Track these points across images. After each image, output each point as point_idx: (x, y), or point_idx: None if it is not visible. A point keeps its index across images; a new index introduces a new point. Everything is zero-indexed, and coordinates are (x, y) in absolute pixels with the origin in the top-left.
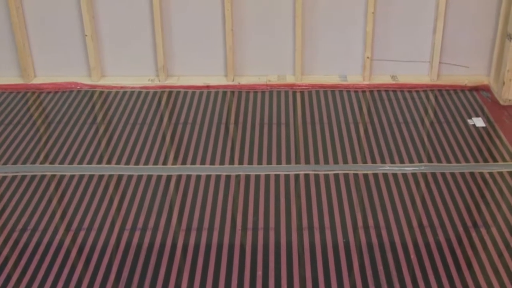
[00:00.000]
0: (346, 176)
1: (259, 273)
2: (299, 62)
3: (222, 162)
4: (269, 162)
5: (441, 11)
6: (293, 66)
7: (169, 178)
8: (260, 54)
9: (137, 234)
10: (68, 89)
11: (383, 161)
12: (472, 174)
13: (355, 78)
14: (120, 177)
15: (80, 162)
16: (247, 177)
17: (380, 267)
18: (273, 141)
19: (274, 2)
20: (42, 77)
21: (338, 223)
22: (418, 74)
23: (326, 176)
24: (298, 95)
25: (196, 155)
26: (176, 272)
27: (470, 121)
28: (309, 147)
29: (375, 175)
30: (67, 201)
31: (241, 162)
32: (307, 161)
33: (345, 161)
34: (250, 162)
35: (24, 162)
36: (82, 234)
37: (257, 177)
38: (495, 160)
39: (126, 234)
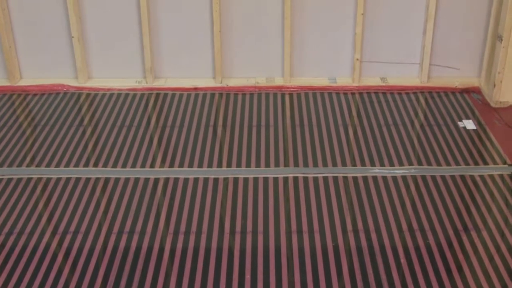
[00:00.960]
0: (335, 179)
1: (248, 277)
2: (288, 64)
3: (210, 165)
4: (258, 165)
5: (431, 12)
6: (281, 68)
7: (156, 181)
8: (248, 56)
9: (124, 237)
10: (55, 91)
11: (372, 164)
12: (462, 177)
13: (345, 80)
14: (107, 180)
15: (67, 165)
16: (236, 180)
17: (370, 271)
18: (261, 143)
19: (263, 3)
20: (28, 79)
21: (327, 226)
22: (408, 76)
23: (315, 179)
24: (287, 97)
25: (183, 157)
26: (164, 276)
27: (460, 124)
28: (298, 149)
29: (365, 178)
30: (54, 204)
31: (229, 165)
32: (296, 164)
33: (335, 164)
34: (239, 165)
35: (10, 165)
36: (68, 237)
37: (246, 180)
38: (485, 163)
39: (113, 238)
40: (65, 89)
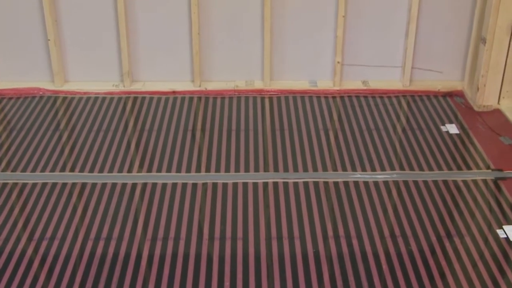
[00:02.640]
0: (316, 184)
1: (227, 283)
2: (268, 67)
3: (188, 170)
4: (237, 169)
5: (413, 14)
6: (261, 71)
7: (134, 186)
8: (227, 59)
9: (101, 243)
10: (31, 94)
11: (354, 169)
12: (445, 182)
13: (325, 83)
14: (83, 185)
15: (43, 170)
16: (214, 185)
17: (351, 278)
18: (241, 148)
19: (242, 5)
20: (4, 83)
21: (308, 232)
22: (390, 80)
23: (296, 184)
24: (267, 101)
25: (162, 162)
26: (142, 283)
27: (443, 128)
28: (278, 154)
29: (346, 183)
30: (30, 210)
31: (208, 169)
32: (276, 169)
33: (315, 169)
34: (217, 169)
35: None
36: (44, 243)
37: (225, 185)
38: (469, 168)
39: (90, 244)
40: (41, 93)
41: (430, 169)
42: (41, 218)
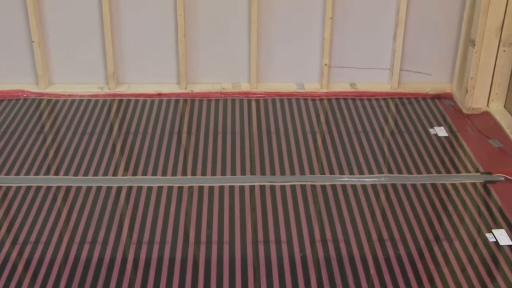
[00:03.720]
0: (303, 187)
1: None
2: (255, 69)
3: (174, 173)
4: (223, 173)
5: (402, 16)
6: (248, 73)
7: (119, 189)
8: (214, 61)
9: (86, 247)
10: (14, 97)
11: (341, 172)
12: (434, 185)
13: (313, 86)
14: (68, 188)
15: (27, 173)
16: (201, 188)
17: (339, 282)
18: (227, 151)
19: (229, 7)
20: None
21: (295, 236)
22: (378, 82)
23: (283, 188)
24: (253, 104)
25: (147, 165)
26: (127, 287)
27: (432, 131)
28: (265, 157)
29: (333, 187)
30: (14, 214)
31: (194, 173)
32: (263, 172)
33: (302, 172)
34: (204, 173)
35: None
36: (29, 247)
37: (211, 188)
38: (457, 171)
39: (74, 248)
40: (25, 95)
41: (419, 172)
42: (25, 222)
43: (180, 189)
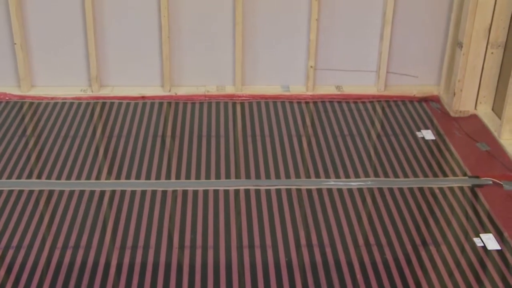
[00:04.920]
0: (288, 191)
1: None
2: (239, 71)
3: (158, 177)
4: (208, 176)
5: (388, 17)
6: (233, 76)
7: (102, 193)
8: (198, 63)
9: (68, 252)
10: None
11: (327, 175)
12: (421, 189)
13: (298, 88)
14: (51, 192)
15: (9, 177)
16: (185, 192)
17: (324, 287)
18: (211, 154)
19: (213, 8)
20: None
21: (280, 241)
22: (364, 84)
23: (268, 192)
24: (238, 107)
25: (130, 169)
26: None
27: (419, 134)
28: (250, 161)
29: (319, 191)
30: None
31: (178, 176)
32: (248, 176)
33: (288, 176)
34: (188, 176)
35: None
36: (11, 252)
37: (195, 192)
38: (445, 175)
39: (57, 253)
40: (7, 98)
41: (406, 176)
42: (7, 226)
43: (164, 193)
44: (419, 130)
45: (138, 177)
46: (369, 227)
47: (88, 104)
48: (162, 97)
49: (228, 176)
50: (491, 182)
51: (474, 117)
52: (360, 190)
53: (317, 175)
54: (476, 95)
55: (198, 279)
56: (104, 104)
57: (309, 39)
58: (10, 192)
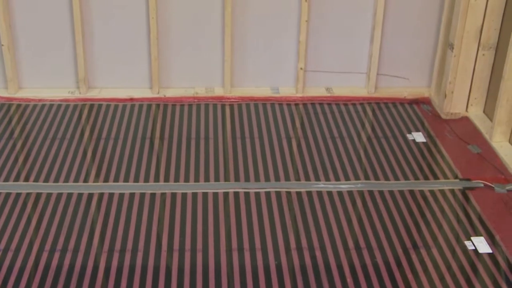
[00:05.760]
0: (278, 194)
1: None
2: (228, 73)
3: (146, 180)
4: (197, 179)
5: (378, 19)
6: (222, 77)
7: (90, 196)
8: (187, 65)
9: (56, 255)
10: None
11: (317, 178)
12: (411, 192)
13: (288, 90)
14: (38, 195)
15: None
16: (173, 195)
17: None
18: (200, 157)
19: (202, 10)
20: None
21: (270, 244)
22: (354, 86)
23: (257, 194)
24: (227, 109)
25: (119, 172)
26: None
27: (409, 136)
28: (239, 163)
29: (309, 193)
30: None
31: (166, 179)
32: (237, 178)
33: (277, 178)
34: (177, 179)
35: None
36: None
37: (184, 195)
38: (436, 177)
39: (45, 256)
40: None
41: (396, 178)
42: None
43: (153, 195)
44: (409, 132)
45: (126, 179)
46: (360, 230)
47: (76, 106)
48: (150, 99)
49: (217, 179)
50: (482, 185)
51: (466, 119)
52: (350, 193)
53: (307, 178)
54: (467, 97)
55: (187, 282)
56: (92, 106)
57: (298, 41)
58: None
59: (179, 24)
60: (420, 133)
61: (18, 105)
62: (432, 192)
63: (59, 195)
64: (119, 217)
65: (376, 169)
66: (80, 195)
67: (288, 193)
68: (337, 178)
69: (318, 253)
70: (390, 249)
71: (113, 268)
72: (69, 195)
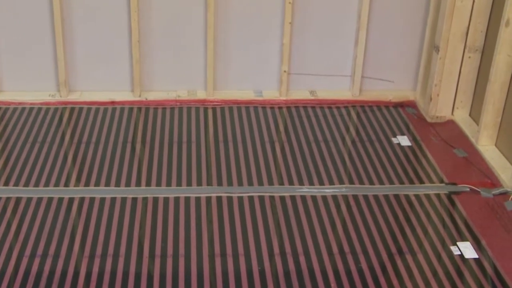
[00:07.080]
0: (261, 198)
1: None
2: (211, 76)
3: (128, 184)
4: (179, 183)
5: (363, 21)
6: (204, 80)
7: (71, 201)
8: (169, 68)
9: (36, 261)
10: None
11: (301, 182)
12: (396, 196)
13: (271, 93)
14: (18, 199)
15: None
16: (155, 200)
17: None
18: (183, 161)
19: (185, 12)
20: None
21: (253, 249)
22: (338, 89)
23: (240, 199)
24: (210, 112)
25: (100, 176)
26: None
27: (394, 140)
28: (222, 167)
29: (293, 198)
30: None
31: (148, 183)
32: (220, 183)
33: (261, 183)
34: (158, 183)
35: None
36: None
37: (166, 200)
38: (421, 182)
39: (25, 261)
40: None
41: (381, 183)
42: None
43: (134, 200)
44: (395, 136)
45: (107, 184)
46: (344, 235)
47: (56, 110)
48: (132, 102)
49: (199, 183)
50: (468, 189)
51: (451, 123)
52: (334, 197)
53: (291, 182)
54: (453, 100)
55: None
56: (72, 109)
57: (282, 43)
58: None
59: (161, 26)
60: (405, 137)
61: None
62: (417, 197)
63: (40, 200)
64: (100, 222)
65: (360, 173)
66: (60, 200)
67: (272, 198)
68: (321, 182)
69: (302, 258)
70: (375, 254)
71: (94, 273)
72: (50, 200)
